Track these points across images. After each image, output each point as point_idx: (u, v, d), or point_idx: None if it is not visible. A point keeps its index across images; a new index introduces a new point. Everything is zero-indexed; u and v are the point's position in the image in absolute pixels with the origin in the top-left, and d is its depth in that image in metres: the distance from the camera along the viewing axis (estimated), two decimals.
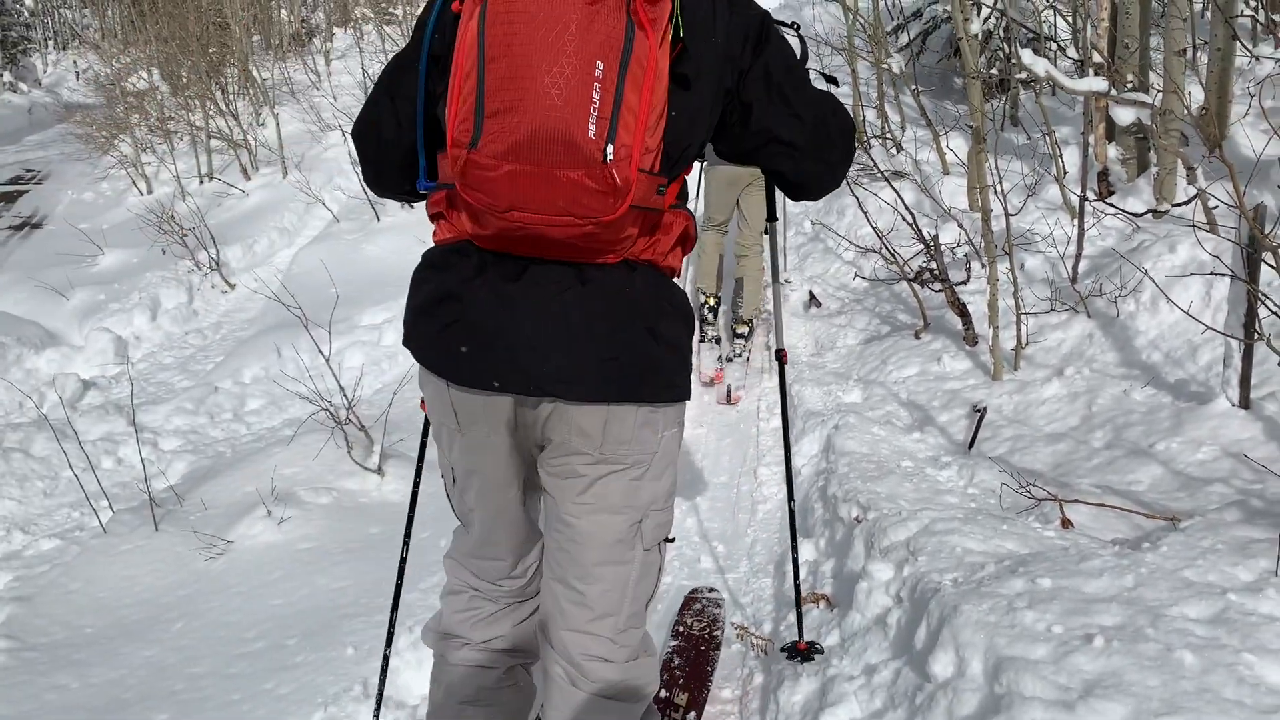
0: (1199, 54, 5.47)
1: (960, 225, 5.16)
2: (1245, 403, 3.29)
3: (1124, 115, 3.84)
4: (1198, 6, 6.01)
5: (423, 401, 1.78)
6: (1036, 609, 2.14)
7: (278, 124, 10.98)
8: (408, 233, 8.38)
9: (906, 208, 5.07)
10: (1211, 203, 4.05)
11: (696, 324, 2.25)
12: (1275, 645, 1.90)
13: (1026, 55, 3.87)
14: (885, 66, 7.72)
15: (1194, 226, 3.76)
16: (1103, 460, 3.37)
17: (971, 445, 3.79)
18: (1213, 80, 4.69)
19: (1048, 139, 5.47)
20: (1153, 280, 3.90)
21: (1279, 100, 4.90)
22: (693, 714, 2.45)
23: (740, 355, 5.51)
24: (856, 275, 6.03)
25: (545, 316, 1.55)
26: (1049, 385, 4.01)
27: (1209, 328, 3.47)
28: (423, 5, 1.56)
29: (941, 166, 6.93)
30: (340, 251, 8.32)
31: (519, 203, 1.42)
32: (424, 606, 3.10)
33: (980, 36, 6.82)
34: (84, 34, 19.49)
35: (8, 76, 17.93)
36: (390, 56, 1.98)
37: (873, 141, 7.78)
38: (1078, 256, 4.57)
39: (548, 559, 1.77)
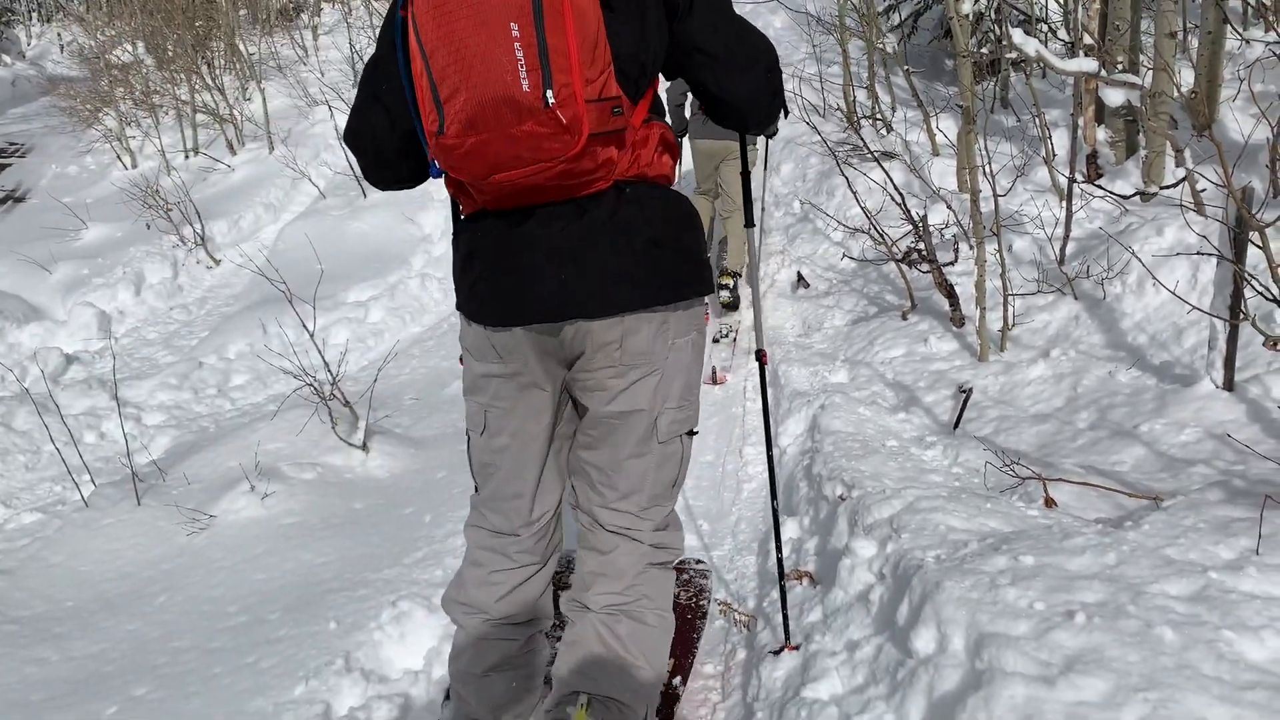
0: (1190, 37, 5.46)
1: (949, 206, 5.16)
2: (1229, 385, 3.30)
3: (1114, 97, 3.87)
4: None
5: (461, 358, 1.97)
6: (1019, 586, 2.14)
7: (264, 99, 10.87)
8: (394, 209, 8.34)
9: (896, 188, 5.06)
10: (1200, 185, 4.05)
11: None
12: (1254, 622, 1.91)
13: (1017, 35, 3.86)
14: (880, 46, 7.69)
15: (1182, 207, 3.77)
16: (1087, 441, 3.38)
17: (957, 425, 3.80)
18: (1203, 63, 4.69)
19: (1037, 121, 5.46)
20: (1140, 260, 3.90)
21: (1269, 84, 4.90)
22: (678, 678, 2.47)
23: (727, 336, 5.52)
24: (845, 256, 6.04)
25: (554, 251, 1.72)
26: (1035, 366, 4.02)
27: (1195, 307, 3.47)
28: None
29: (931, 147, 6.92)
30: (326, 228, 8.27)
31: (494, 166, 1.58)
32: (406, 581, 3.09)
33: (971, 17, 6.79)
34: (68, 6, 19.22)
35: None
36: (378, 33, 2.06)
37: (863, 122, 7.76)
38: (1065, 239, 4.57)
39: (575, 460, 1.96)
